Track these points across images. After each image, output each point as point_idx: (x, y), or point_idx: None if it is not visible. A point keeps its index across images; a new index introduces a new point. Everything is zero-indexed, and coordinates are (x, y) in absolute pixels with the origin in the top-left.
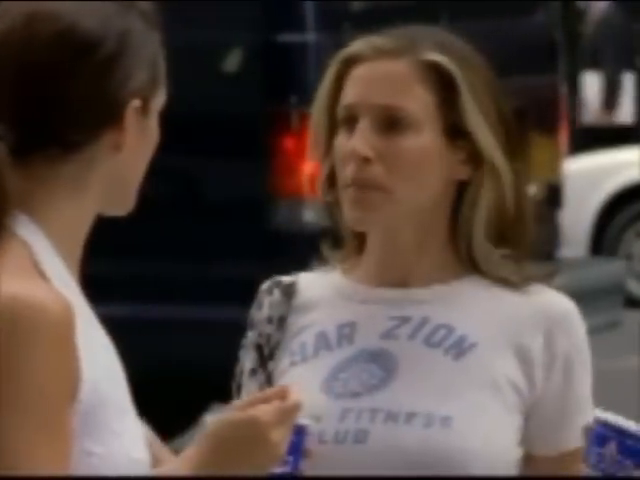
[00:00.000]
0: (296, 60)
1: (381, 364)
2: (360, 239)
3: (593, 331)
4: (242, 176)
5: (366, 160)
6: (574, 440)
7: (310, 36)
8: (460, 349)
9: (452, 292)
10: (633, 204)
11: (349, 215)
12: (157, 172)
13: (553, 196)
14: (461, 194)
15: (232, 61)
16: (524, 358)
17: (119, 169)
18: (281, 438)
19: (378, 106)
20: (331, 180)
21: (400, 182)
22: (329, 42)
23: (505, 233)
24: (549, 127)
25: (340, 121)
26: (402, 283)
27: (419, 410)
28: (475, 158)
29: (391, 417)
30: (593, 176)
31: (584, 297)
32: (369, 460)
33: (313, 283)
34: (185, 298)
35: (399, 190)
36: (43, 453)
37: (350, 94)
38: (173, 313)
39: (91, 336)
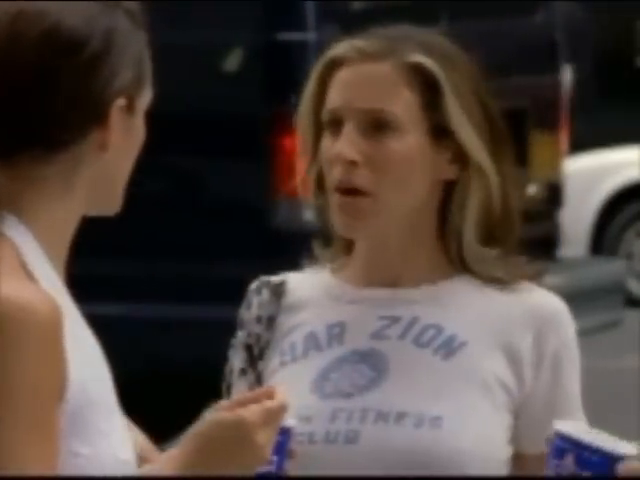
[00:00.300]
0: (297, 60)
1: (371, 364)
2: (349, 239)
3: (593, 331)
4: (242, 176)
5: (352, 164)
6: None
7: (311, 36)
8: (449, 349)
9: (442, 292)
10: (633, 203)
11: (338, 222)
12: (158, 172)
13: (553, 195)
14: (449, 194)
15: (232, 61)
16: (513, 357)
17: (105, 169)
18: (267, 439)
19: (363, 110)
20: (320, 182)
21: (387, 185)
22: (330, 42)
23: (493, 232)
24: (550, 126)
25: (325, 124)
26: (391, 283)
27: (409, 410)
28: (461, 158)
29: (381, 417)
30: (593, 175)
31: (584, 297)
32: (360, 460)
33: (302, 283)
34: (185, 298)
35: (386, 194)
36: (32, 453)
37: (335, 98)
38: (173, 313)
39: (78, 337)
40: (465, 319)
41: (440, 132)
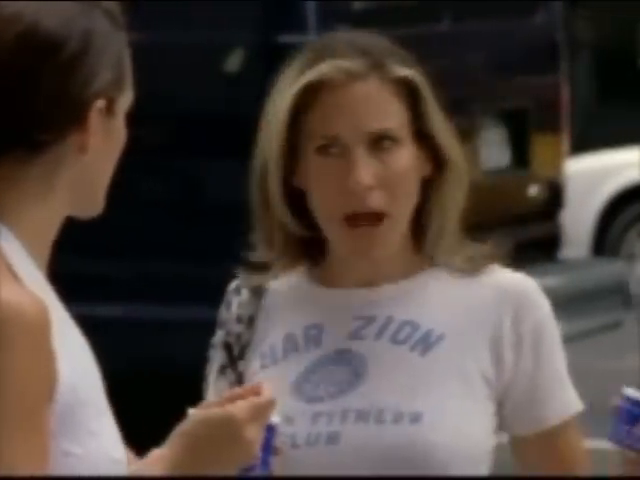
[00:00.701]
0: None
1: (350, 365)
2: (305, 246)
3: (594, 332)
4: (240, 176)
5: (369, 188)
6: (553, 417)
7: (311, 37)
8: (426, 344)
9: (415, 288)
10: (635, 205)
11: (352, 250)
12: (156, 172)
13: (555, 196)
14: (423, 190)
15: (232, 61)
16: (492, 345)
17: (85, 171)
18: (255, 435)
19: (371, 133)
20: (296, 204)
21: (399, 202)
22: None
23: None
24: (551, 127)
25: (315, 149)
26: (366, 283)
27: (389, 408)
28: (435, 156)
29: (362, 417)
30: (595, 177)
31: (586, 298)
32: (342, 461)
33: (280, 283)
34: (183, 298)
35: (399, 211)
36: (21, 453)
37: (334, 124)
38: (171, 313)
39: (67, 337)
40: (440, 312)
41: (421, 136)
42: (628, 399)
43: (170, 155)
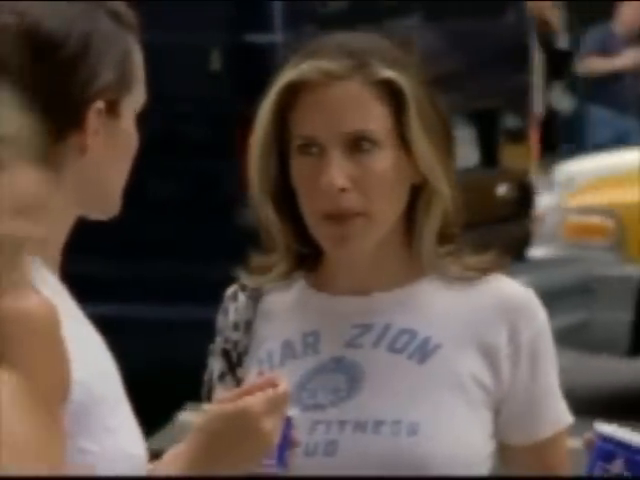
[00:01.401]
0: (263, 61)
1: (347, 373)
2: (298, 251)
3: (563, 331)
4: (218, 175)
5: (342, 190)
6: (546, 430)
7: (278, 37)
8: (424, 352)
9: (412, 295)
10: None
11: (332, 247)
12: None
13: (524, 196)
14: (414, 197)
15: (200, 61)
16: (489, 354)
17: (89, 172)
18: (273, 427)
19: (347, 133)
20: (283, 201)
21: (376, 203)
22: (297, 43)
23: (446, 231)
24: (520, 127)
25: (296, 148)
26: (364, 290)
27: (386, 418)
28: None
29: (359, 427)
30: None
31: (554, 296)
32: (340, 471)
33: (277, 289)
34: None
35: (377, 211)
36: (35, 452)
37: (311, 124)
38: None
39: (81, 335)
40: (438, 321)
41: (406, 141)
42: (601, 436)
43: (157, 154)
